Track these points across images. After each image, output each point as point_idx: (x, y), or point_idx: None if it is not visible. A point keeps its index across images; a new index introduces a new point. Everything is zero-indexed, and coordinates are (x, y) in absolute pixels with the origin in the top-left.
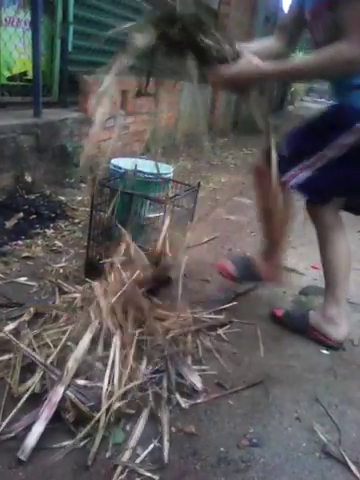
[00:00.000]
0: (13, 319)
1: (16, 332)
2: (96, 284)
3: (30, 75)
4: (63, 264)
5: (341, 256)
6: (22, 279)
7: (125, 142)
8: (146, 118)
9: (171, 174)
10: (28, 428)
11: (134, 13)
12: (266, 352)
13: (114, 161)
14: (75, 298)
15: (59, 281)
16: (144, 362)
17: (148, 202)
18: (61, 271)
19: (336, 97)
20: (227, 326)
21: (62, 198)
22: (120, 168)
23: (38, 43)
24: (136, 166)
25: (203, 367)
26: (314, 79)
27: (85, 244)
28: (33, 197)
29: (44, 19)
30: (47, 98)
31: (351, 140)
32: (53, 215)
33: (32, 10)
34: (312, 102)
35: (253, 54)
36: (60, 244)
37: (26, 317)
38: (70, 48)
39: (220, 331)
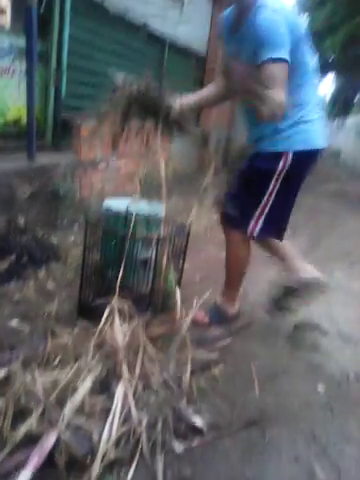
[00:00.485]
0: (4, 364)
1: (8, 376)
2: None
3: (24, 121)
4: (55, 306)
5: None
6: (14, 322)
7: (117, 183)
8: (138, 159)
9: (163, 213)
10: (18, 469)
11: (125, 60)
12: (261, 390)
13: (106, 202)
14: (67, 343)
15: (51, 324)
16: (139, 405)
17: (140, 242)
18: (53, 313)
19: (256, 145)
20: (221, 365)
21: (55, 240)
22: (112, 209)
23: (33, 91)
24: (128, 207)
25: (198, 408)
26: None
27: (78, 285)
28: (25, 239)
29: (39, 67)
30: (41, 142)
31: (279, 180)
32: (45, 257)
33: (28, 60)
34: None
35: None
36: (52, 286)
37: (18, 361)
38: (63, 95)
39: (214, 370)
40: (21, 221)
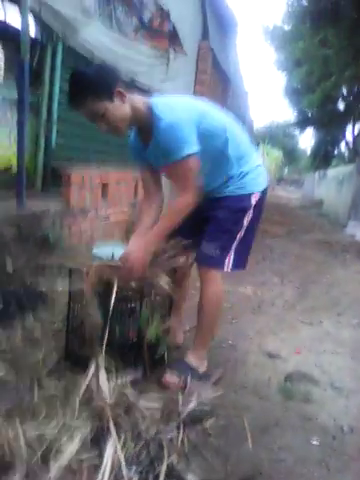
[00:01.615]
0: None
1: None
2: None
3: (15, 169)
4: (42, 355)
5: None
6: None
7: (106, 231)
8: (126, 209)
9: None
10: None
11: None
12: (254, 444)
13: (94, 250)
14: (54, 395)
15: (37, 373)
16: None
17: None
18: (40, 363)
19: (220, 191)
20: (212, 418)
21: (43, 287)
22: (99, 256)
23: (23, 140)
24: (113, 255)
25: (190, 464)
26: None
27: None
28: (14, 286)
29: (30, 118)
30: (31, 190)
31: (250, 216)
32: (33, 305)
33: (19, 110)
34: (282, 190)
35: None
36: (39, 334)
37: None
38: (53, 144)
39: (205, 423)
40: (9, 267)
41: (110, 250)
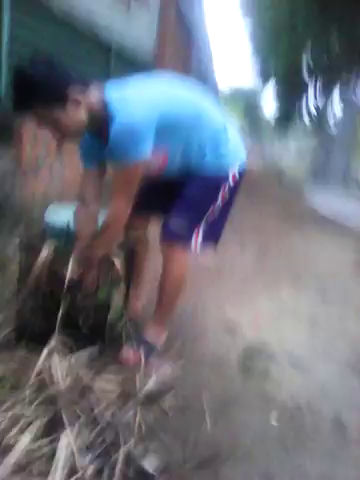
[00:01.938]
0: None
1: None
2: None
3: None
4: None
5: None
6: None
7: (61, 189)
8: None
9: None
10: None
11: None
12: (213, 424)
13: (48, 213)
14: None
15: None
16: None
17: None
18: None
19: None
20: (170, 396)
21: None
22: (52, 223)
23: None
24: (68, 224)
25: (147, 447)
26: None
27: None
28: None
29: None
30: None
31: (225, 193)
32: None
33: None
34: None
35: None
36: None
37: None
38: (2, 94)
39: (163, 403)
40: None
41: (65, 216)
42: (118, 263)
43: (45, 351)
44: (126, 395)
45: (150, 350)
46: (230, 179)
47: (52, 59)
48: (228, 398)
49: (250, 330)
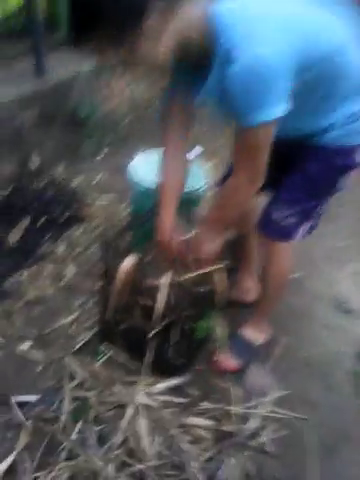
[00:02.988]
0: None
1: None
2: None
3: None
4: (75, 315)
5: None
6: (25, 347)
7: (149, 86)
8: None
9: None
10: None
11: None
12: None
13: (133, 170)
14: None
15: (69, 359)
16: None
17: None
18: (73, 330)
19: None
20: (272, 428)
21: (76, 183)
22: (140, 183)
23: None
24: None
25: None
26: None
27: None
28: (41, 186)
29: None
30: (52, 43)
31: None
32: (66, 217)
33: None
34: None
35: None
36: (72, 270)
37: (23, 440)
38: None
39: (264, 436)
40: (35, 163)
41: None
42: (222, 279)
43: (129, 409)
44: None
45: (251, 352)
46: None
47: None
48: (338, 429)
49: None
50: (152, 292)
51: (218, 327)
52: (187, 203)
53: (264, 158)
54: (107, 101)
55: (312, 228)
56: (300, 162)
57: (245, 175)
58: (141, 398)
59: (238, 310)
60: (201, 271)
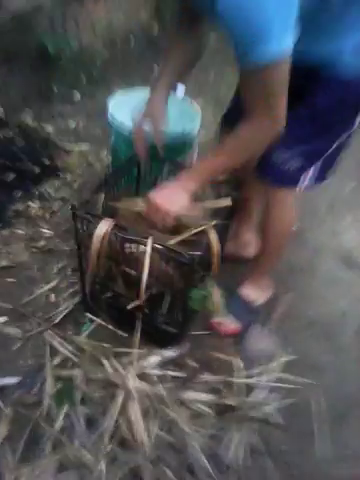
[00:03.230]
0: None
1: None
2: None
3: None
4: (54, 283)
5: None
6: (1, 320)
7: (128, 11)
8: None
9: (197, 125)
10: None
11: None
12: (322, 444)
13: (113, 109)
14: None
15: (50, 333)
16: None
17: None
18: (52, 300)
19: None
20: (277, 399)
21: (48, 131)
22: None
23: None
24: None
25: None
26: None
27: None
28: (10, 134)
29: None
30: None
31: None
32: (38, 171)
33: None
34: None
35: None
36: (48, 232)
37: (2, 430)
38: None
39: (268, 408)
40: None
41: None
42: (215, 239)
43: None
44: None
45: (251, 313)
46: None
47: None
48: (346, 398)
49: None
50: (133, 260)
51: (214, 293)
52: (179, 147)
53: (285, 93)
54: (81, 34)
55: (322, 177)
56: (309, 97)
57: (266, 117)
58: (133, 378)
59: (236, 266)
60: (190, 232)
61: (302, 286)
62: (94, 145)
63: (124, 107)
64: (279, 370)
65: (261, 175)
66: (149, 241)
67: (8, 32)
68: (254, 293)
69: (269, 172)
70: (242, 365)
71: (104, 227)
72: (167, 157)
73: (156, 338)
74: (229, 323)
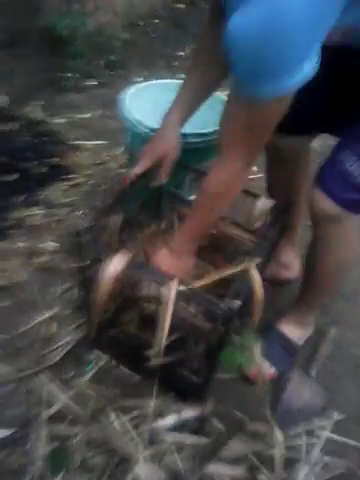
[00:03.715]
0: None
1: None
2: None
3: None
4: (55, 310)
5: None
6: None
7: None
8: None
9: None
10: None
11: None
12: None
13: (129, 105)
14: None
15: (47, 374)
16: None
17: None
18: (53, 328)
19: None
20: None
21: (57, 125)
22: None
23: None
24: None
25: None
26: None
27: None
28: (16, 127)
29: None
30: None
31: None
32: (44, 170)
33: None
34: None
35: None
36: (53, 245)
37: None
38: None
39: None
40: (3, 100)
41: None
42: (258, 281)
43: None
44: None
45: (292, 356)
46: None
47: None
48: None
49: None
50: (151, 301)
51: (253, 349)
52: (203, 150)
53: (269, 136)
54: (97, 12)
55: None
56: None
57: (241, 158)
58: (144, 444)
59: (275, 290)
60: (226, 272)
61: (349, 317)
62: (110, 140)
63: (142, 101)
64: (328, 431)
65: (327, 188)
66: (173, 284)
67: (12, 11)
68: (297, 331)
69: (340, 185)
70: (280, 431)
71: (120, 261)
72: (188, 161)
73: (175, 386)
74: (265, 369)
